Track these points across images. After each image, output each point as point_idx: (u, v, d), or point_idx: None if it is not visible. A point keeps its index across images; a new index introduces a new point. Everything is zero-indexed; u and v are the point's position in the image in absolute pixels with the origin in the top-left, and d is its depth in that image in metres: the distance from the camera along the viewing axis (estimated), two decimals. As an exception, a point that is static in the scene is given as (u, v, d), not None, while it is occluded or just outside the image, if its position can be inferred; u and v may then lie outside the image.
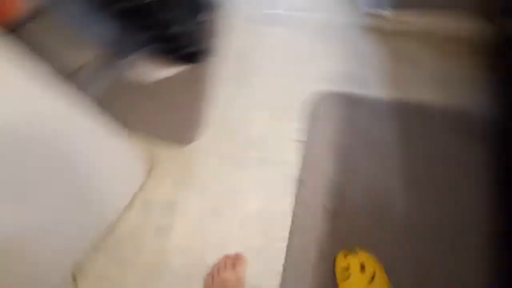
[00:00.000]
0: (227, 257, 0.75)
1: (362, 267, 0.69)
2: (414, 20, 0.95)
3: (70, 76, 0.89)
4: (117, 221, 0.82)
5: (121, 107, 0.93)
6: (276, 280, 0.74)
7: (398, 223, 0.76)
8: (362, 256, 0.71)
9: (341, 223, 0.77)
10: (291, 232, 0.78)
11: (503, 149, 0.78)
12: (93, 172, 0.69)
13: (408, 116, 0.87)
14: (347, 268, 0.69)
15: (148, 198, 0.85)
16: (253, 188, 0.84)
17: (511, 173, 0.76)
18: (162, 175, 0.87)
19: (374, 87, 0.92)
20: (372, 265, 0.70)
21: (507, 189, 0.75)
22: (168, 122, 0.94)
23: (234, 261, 0.73)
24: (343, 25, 1.03)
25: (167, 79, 1.00)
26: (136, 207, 0.84)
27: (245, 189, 0.84)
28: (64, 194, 0.63)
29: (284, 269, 0.75)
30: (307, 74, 0.96)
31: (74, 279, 0.79)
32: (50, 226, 0.63)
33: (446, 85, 0.90)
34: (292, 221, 0.79)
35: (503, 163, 0.77)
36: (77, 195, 0.67)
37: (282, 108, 0.92)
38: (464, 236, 0.74)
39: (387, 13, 0.95)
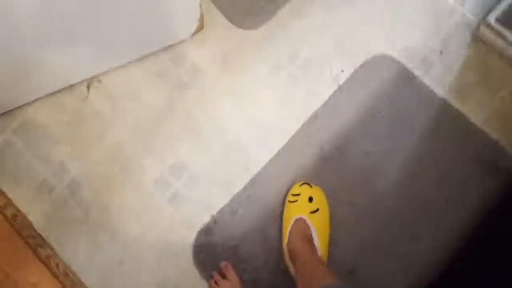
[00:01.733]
0: (214, 273, 0.78)
1: (310, 199, 0.75)
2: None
3: None
4: (148, 55, 0.87)
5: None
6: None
7: (374, 197, 0.81)
8: (315, 191, 0.77)
9: (328, 168, 0.82)
10: (279, 150, 0.83)
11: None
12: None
13: (447, 122, 0.85)
14: (298, 194, 0.76)
15: (183, 53, 0.88)
16: (273, 98, 0.87)
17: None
18: (204, 42, 0.89)
19: (437, 80, 0.87)
20: (320, 201, 0.76)
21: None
22: None
23: (222, 271, 0.78)
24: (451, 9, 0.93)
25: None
26: (169, 54, 0.88)
27: (265, 96, 0.87)
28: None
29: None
30: (385, 33, 0.91)
31: (88, 86, 0.87)
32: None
33: (508, 122, 0.85)
34: (287, 143, 0.84)
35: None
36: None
37: (345, 50, 0.90)
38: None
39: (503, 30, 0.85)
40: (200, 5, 0.81)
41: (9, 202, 0.83)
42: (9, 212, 0.82)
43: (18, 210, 0.83)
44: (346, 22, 0.91)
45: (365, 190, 0.82)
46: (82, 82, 0.86)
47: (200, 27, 0.87)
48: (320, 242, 0.72)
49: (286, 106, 0.87)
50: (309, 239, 0.72)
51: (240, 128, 0.86)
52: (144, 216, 0.83)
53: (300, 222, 0.73)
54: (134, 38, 0.81)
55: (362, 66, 0.88)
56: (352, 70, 0.88)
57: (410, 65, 0.88)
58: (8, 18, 0.57)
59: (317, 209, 0.75)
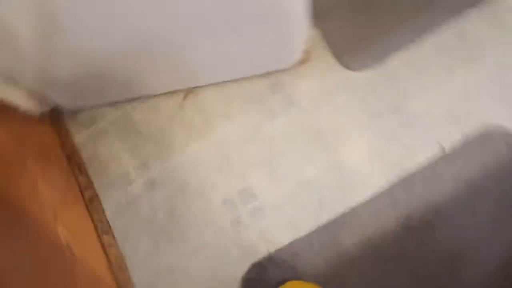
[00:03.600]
0: None
1: None
2: None
3: None
4: (248, 78, 0.88)
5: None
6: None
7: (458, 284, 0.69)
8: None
9: (411, 239, 0.73)
10: (358, 205, 0.77)
11: None
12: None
13: None
14: None
15: (282, 81, 0.88)
16: (364, 147, 0.82)
17: None
18: (306, 75, 0.87)
19: None
20: None
21: None
22: (354, 36, 0.89)
23: None
24: None
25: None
26: (268, 80, 0.88)
27: (357, 143, 0.82)
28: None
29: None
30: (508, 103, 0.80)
31: (185, 96, 0.90)
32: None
33: None
34: (369, 201, 0.77)
35: None
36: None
37: (457, 114, 0.81)
38: None
39: None
40: (310, 39, 0.80)
41: (90, 185, 0.89)
42: (88, 194, 0.88)
43: (96, 194, 0.89)
44: (464, 84, 0.82)
45: (449, 275, 0.71)
46: (181, 91, 0.90)
47: (305, 59, 0.86)
48: None
49: (378, 160, 0.80)
50: None
51: (320, 170, 0.81)
52: (205, 232, 0.83)
53: None
54: (241, 58, 0.82)
55: (473, 135, 0.78)
56: (460, 137, 0.78)
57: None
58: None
59: None
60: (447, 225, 0.74)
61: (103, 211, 0.87)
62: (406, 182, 0.76)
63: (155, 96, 0.90)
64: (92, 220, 0.87)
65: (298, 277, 0.76)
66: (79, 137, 0.92)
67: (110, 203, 0.87)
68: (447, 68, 0.83)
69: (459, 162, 0.77)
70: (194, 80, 0.88)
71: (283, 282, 0.74)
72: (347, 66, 0.85)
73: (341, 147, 0.82)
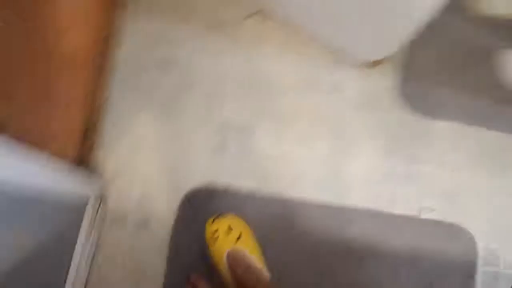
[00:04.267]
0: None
1: (230, 228, 0.72)
2: None
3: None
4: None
5: None
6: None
7: None
8: (229, 219, 0.74)
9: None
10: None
11: None
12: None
13: None
14: (216, 231, 0.73)
15: (344, 74, 0.88)
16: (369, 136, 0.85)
17: None
18: (367, 77, 0.87)
19: None
20: (238, 225, 0.74)
21: None
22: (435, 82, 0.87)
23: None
24: None
25: None
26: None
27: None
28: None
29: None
30: None
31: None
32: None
33: None
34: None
35: None
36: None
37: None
38: None
39: None
40: (394, 52, 0.80)
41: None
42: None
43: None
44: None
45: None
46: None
47: (373, 65, 0.86)
48: (256, 259, 0.72)
49: (369, 183, 0.83)
50: (248, 265, 0.71)
51: (319, 158, 0.84)
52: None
53: (231, 255, 0.71)
54: (344, 27, 0.80)
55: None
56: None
57: None
58: None
59: (240, 234, 0.73)
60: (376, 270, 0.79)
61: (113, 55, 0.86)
62: (372, 216, 0.81)
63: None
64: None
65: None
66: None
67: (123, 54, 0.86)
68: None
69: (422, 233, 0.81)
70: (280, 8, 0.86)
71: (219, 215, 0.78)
72: (402, 94, 0.86)
73: (348, 151, 0.84)
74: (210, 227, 0.74)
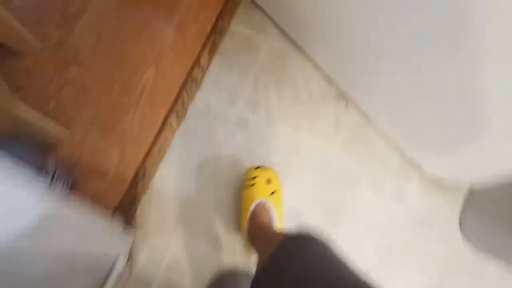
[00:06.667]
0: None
1: (268, 181, 0.74)
2: None
3: None
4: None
5: None
6: None
7: None
8: (271, 173, 0.76)
9: None
10: None
11: None
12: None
13: None
14: (255, 177, 0.74)
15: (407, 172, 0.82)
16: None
17: None
18: (430, 193, 0.82)
19: None
20: (277, 183, 0.76)
21: None
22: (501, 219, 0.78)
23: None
24: None
25: None
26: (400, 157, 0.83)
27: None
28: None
29: None
30: None
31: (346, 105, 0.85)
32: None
33: None
34: None
35: None
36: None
37: None
38: None
39: None
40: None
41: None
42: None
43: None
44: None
45: None
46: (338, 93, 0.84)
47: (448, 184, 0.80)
48: (279, 219, 0.72)
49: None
50: (270, 219, 0.71)
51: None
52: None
53: (261, 204, 0.72)
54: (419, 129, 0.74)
55: None
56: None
57: None
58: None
59: (275, 191, 0.74)
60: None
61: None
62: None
63: (316, 65, 0.84)
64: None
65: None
66: (235, 26, 0.86)
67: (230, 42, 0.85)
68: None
69: None
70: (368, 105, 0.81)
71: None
72: (466, 225, 0.81)
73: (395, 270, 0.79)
74: (252, 172, 0.76)
